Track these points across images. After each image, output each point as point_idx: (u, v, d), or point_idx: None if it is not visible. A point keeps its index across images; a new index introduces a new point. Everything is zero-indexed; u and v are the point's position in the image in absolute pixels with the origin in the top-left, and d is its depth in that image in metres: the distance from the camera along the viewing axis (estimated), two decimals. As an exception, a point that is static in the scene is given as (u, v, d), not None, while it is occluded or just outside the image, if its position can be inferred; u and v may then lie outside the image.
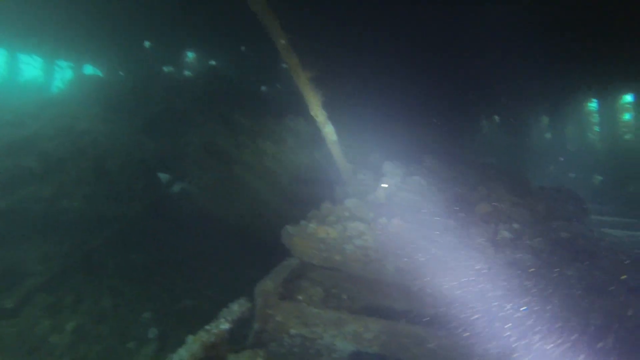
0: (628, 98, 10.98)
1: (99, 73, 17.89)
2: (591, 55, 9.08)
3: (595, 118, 11.33)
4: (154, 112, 13.02)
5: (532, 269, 4.12)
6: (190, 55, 20.74)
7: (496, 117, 15.17)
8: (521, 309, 4.02)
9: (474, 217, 4.59)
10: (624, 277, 4.05)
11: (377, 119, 10.00)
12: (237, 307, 4.03)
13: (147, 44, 16.94)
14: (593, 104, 11.30)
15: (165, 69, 19.26)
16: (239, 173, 9.41)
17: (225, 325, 3.75)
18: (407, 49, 11.76)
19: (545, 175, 12.35)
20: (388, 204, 5.77)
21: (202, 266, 8.45)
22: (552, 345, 3.49)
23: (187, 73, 19.44)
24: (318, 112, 6.73)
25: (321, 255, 5.19)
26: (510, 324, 4.05)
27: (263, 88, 17.45)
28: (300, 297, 4.74)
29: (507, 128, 13.94)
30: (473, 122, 15.53)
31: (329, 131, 7.02)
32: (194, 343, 3.39)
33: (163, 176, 11.10)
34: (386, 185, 6.31)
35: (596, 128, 11.14)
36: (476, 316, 4.38)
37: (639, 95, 8.70)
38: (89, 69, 18.74)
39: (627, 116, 11.17)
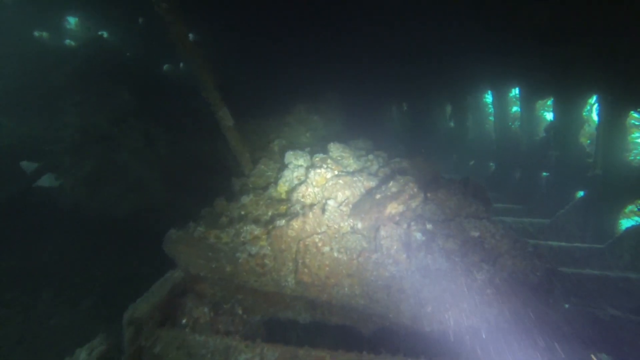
0: (515, 91, 11.71)
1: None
2: (486, 47, 9.33)
3: (491, 109, 11.94)
4: (17, 86, 10.79)
5: (445, 274, 3.81)
6: (72, 21, 17.92)
7: (404, 105, 15.42)
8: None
9: (384, 217, 4.15)
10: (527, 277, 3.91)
11: (280, 105, 9.32)
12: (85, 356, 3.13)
13: (8, -1, 14.08)
14: (489, 96, 11.91)
15: (37, 33, 16.39)
16: (125, 161, 8.09)
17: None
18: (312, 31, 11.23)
19: (450, 163, 12.90)
20: (290, 201, 5.15)
21: (73, 273, 7.12)
22: None
23: (68, 42, 16.78)
24: (211, 93, 5.83)
25: (210, 266, 4.42)
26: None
27: (165, 67, 15.70)
28: (183, 321, 3.96)
29: (415, 115, 14.23)
30: (384, 109, 15.67)
31: (224, 115, 6.17)
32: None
33: (28, 165, 9.23)
34: (287, 179, 5.68)
35: (491, 118, 11.75)
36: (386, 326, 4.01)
37: (524, 88, 9.13)
38: None
39: (514, 108, 11.96)
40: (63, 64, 11.50)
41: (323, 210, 4.66)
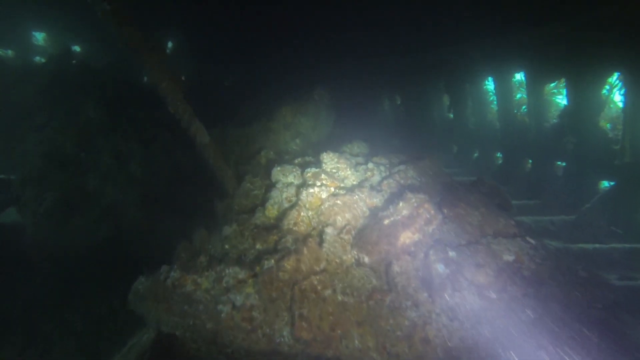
0: (518, 76, 10.94)
1: None
2: (483, 25, 8.50)
3: (492, 97, 11.14)
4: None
5: (479, 316, 3.00)
6: (39, 37, 16.89)
7: (397, 97, 14.61)
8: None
9: (397, 249, 3.34)
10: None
11: (265, 107, 8.48)
12: None
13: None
14: (489, 83, 11.10)
15: (0, 52, 15.40)
16: (95, 187, 7.21)
17: None
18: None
19: (450, 155, 12.12)
20: (280, 229, 4.32)
21: (43, 319, 6.26)
22: None
23: (37, 59, 15.79)
24: (179, 106, 4.98)
25: (187, 323, 3.59)
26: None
27: (143, 79, 14.78)
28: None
29: (410, 107, 13.42)
30: (376, 102, 14.85)
31: (197, 131, 5.32)
32: None
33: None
34: (276, 201, 4.85)
35: (493, 107, 10.95)
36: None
37: (530, 71, 8.32)
38: None
39: (519, 95, 11.19)
40: (26, 82, 10.57)
41: (320, 241, 3.84)
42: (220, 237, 4.62)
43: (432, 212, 3.44)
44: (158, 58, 4.37)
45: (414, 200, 3.56)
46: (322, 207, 4.26)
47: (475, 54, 9.51)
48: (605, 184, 7.64)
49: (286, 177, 5.13)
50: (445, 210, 3.81)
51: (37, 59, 15.72)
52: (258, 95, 11.68)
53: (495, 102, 10.57)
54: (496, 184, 5.04)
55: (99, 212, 6.92)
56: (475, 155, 11.30)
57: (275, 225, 4.64)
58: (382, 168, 5.25)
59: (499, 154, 10.53)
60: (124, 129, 7.75)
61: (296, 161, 6.34)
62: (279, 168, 5.20)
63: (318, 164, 5.39)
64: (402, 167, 4.95)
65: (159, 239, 7.29)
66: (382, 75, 12.72)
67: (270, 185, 5.30)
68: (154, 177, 7.56)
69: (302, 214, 4.29)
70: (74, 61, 11.25)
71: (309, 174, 4.85)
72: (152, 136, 8.10)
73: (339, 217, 4.05)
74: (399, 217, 3.50)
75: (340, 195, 4.30)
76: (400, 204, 3.61)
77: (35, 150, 7.66)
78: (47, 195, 6.85)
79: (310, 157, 6.48)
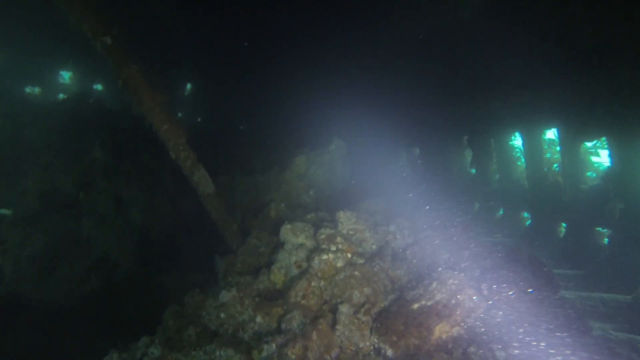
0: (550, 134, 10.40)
1: None
2: (513, 79, 8.08)
3: (519, 153, 10.54)
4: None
5: None
6: (66, 76, 17.27)
7: (416, 149, 14.13)
8: None
9: (430, 344, 2.63)
10: None
11: (278, 156, 8.06)
12: None
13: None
14: (515, 138, 10.56)
15: (28, 89, 15.64)
16: (89, 233, 6.67)
17: None
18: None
19: (472, 213, 11.39)
20: (287, 301, 3.63)
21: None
22: None
23: (61, 96, 16.03)
24: (180, 152, 4.50)
25: None
26: None
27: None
28: None
29: (428, 161, 12.89)
30: (393, 155, 14.40)
31: (200, 180, 4.81)
32: None
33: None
34: (284, 264, 4.20)
35: (520, 163, 10.33)
36: None
37: (565, 128, 7.75)
38: None
39: (549, 154, 10.61)
40: (42, 120, 10.45)
41: (333, 321, 3.14)
42: (216, 303, 3.95)
43: (475, 299, 2.74)
44: (159, 99, 3.95)
45: (451, 281, 2.88)
46: (337, 277, 3.60)
47: (503, 109, 9.07)
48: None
49: (297, 236, 4.49)
50: (487, 293, 3.09)
51: (61, 96, 15.96)
52: (272, 144, 11.35)
53: (522, 159, 9.98)
54: (538, 257, 4.31)
55: (91, 262, 6.34)
56: (500, 213, 10.57)
57: (280, 294, 3.96)
58: (405, 231, 4.59)
59: (525, 214, 9.79)
60: (128, 172, 7.35)
61: (309, 216, 5.73)
62: (288, 226, 4.58)
63: (333, 223, 4.76)
64: (429, 232, 4.28)
65: (154, 294, 6.62)
66: (401, 126, 12.36)
67: (278, 245, 4.68)
68: (155, 225, 7.03)
69: (312, 284, 3.62)
70: (91, 100, 11.17)
71: (322, 236, 4.21)
72: (157, 182, 7.67)
73: (356, 292, 3.37)
74: (432, 302, 2.81)
75: (358, 265, 3.64)
76: (434, 284, 2.92)
77: (34, 189, 7.26)
78: (36, 238, 6.33)
79: (324, 212, 5.88)
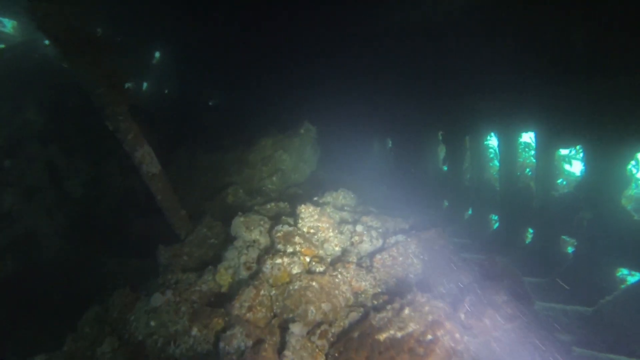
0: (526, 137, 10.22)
1: None
2: (495, 78, 7.75)
3: (493, 154, 10.32)
4: None
5: None
6: (9, 25, 15.59)
7: (388, 141, 13.72)
8: None
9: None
10: None
11: (243, 135, 7.40)
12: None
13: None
14: (491, 138, 10.30)
15: None
16: (11, 204, 5.79)
17: None
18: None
19: (440, 212, 11.15)
20: (230, 313, 3.07)
21: None
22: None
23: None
24: (120, 122, 3.77)
25: None
26: None
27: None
28: None
29: (401, 154, 12.51)
30: (364, 144, 13.93)
31: (144, 158, 4.10)
32: None
33: None
34: (232, 264, 3.62)
35: (492, 164, 10.11)
36: None
37: (541, 134, 7.49)
38: None
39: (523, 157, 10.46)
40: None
41: (281, 345, 2.61)
42: (147, 307, 3.33)
43: (457, 335, 2.27)
44: (91, 49, 3.20)
45: (427, 308, 2.39)
46: (291, 287, 3.05)
47: (481, 107, 8.74)
48: (625, 271, 6.71)
49: (250, 231, 3.91)
50: (468, 321, 2.64)
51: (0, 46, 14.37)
52: (240, 122, 10.59)
53: (495, 160, 9.76)
54: (512, 268, 3.98)
55: (9, 240, 5.48)
56: (469, 213, 10.38)
57: (225, 299, 3.39)
58: (373, 233, 4.10)
59: (494, 217, 9.63)
60: (69, 139, 6.44)
61: (268, 206, 5.16)
62: (242, 219, 3.99)
63: (294, 217, 4.21)
64: (400, 237, 3.82)
65: (89, 283, 5.87)
66: (375, 115, 11.88)
67: (229, 240, 4.08)
68: (99, 201, 6.21)
69: (262, 293, 3.06)
70: (36, 55, 9.94)
71: (279, 234, 3.65)
72: (105, 151, 6.80)
73: (312, 308, 2.85)
74: (403, 333, 2.31)
75: (317, 274, 3.11)
76: (406, 310, 2.43)
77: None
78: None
79: (285, 203, 5.32)
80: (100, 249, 6.23)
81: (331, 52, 10.87)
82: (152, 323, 3.19)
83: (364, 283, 3.18)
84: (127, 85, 3.71)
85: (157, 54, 15.56)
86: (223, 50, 12.39)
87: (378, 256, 3.51)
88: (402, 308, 2.44)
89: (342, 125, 11.52)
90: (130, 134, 3.88)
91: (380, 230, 4.28)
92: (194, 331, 2.99)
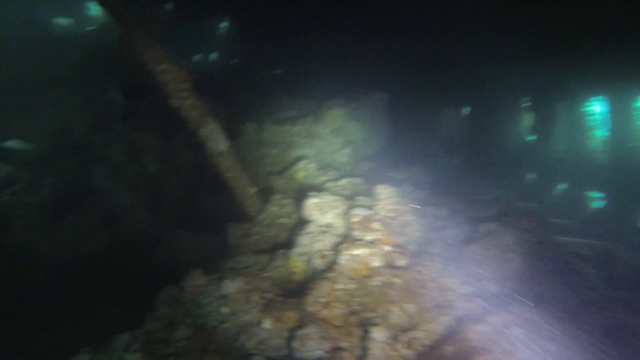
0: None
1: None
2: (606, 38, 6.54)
3: (595, 121, 8.95)
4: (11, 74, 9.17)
5: None
6: (94, 8, 16.40)
7: (464, 109, 12.64)
8: None
9: None
10: None
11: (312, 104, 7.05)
12: None
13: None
14: (594, 103, 8.90)
15: (57, 20, 14.94)
16: (101, 179, 6.08)
17: None
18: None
19: (522, 186, 10.08)
20: (303, 301, 2.83)
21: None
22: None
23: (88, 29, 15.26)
24: (184, 100, 3.60)
25: None
26: None
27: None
28: None
29: (479, 123, 11.45)
30: (437, 113, 12.93)
31: (211, 135, 3.93)
32: None
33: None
34: (305, 251, 3.37)
35: (597, 133, 8.78)
36: None
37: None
38: None
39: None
40: (63, 53, 9.75)
41: (362, 350, 2.31)
42: (219, 292, 3.21)
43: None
44: (152, 30, 3.00)
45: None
46: (371, 282, 2.72)
47: (587, 67, 7.45)
48: None
49: (324, 214, 3.61)
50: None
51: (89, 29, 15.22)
52: (308, 91, 10.11)
53: (599, 129, 8.45)
54: None
55: (101, 214, 5.79)
56: (559, 188, 9.22)
57: (297, 288, 3.17)
58: (460, 218, 3.61)
59: (594, 194, 8.42)
60: (145, 116, 6.59)
61: (342, 182, 4.82)
62: (315, 200, 3.69)
63: (370, 197, 3.82)
64: (492, 225, 3.29)
65: (166, 254, 6.08)
66: (450, 82, 10.83)
67: (302, 221, 3.83)
68: (172, 178, 6.34)
69: (338, 287, 2.76)
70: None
71: (356, 219, 3.30)
72: (177, 128, 6.87)
73: (395, 309, 2.50)
74: None
75: (400, 269, 2.73)
76: (515, 330, 1.97)
77: (47, 127, 6.68)
78: (45, 182, 5.80)
79: (359, 179, 4.94)
80: (173, 224, 6.38)
81: (403, 15, 9.99)
82: (224, 310, 3.07)
83: (453, 280, 2.75)
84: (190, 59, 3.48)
85: (223, 24, 15.56)
86: (291, 17, 11.97)
87: (468, 247, 3.04)
88: (507, 325, 1.99)
89: (412, 94, 10.70)
90: (194, 110, 3.70)
91: (467, 214, 3.77)
92: (266, 324, 2.81)
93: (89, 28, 15.32)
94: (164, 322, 3.07)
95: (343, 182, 4.85)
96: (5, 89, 8.58)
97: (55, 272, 5.46)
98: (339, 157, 6.58)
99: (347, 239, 3.18)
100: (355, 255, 2.87)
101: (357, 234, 3.21)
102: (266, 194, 4.92)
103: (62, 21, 15.36)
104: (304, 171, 5.76)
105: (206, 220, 5.99)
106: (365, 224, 3.27)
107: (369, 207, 3.59)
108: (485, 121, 11.39)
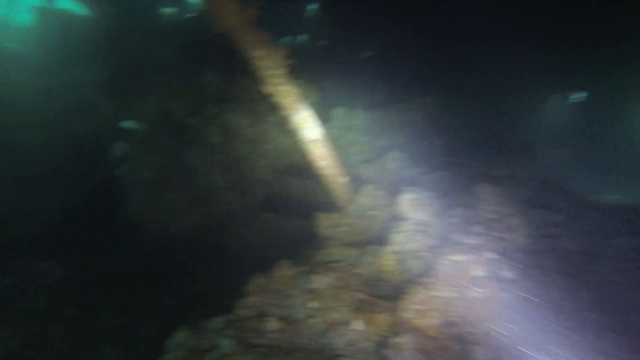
0: None
1: (75, 7, 14.89)
2: None
3: None
4: (120, 63, 10.09)
5: None
6: (195, -5, 17.26)
7: (570, 94, 11.19)
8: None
9: None
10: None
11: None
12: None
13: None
14: None
15: (162, 10, 16.00)
16: (196, 160, 6.43)
17: None
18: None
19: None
20: (399, 305, 2.67)
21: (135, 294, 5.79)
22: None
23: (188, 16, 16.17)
24: (278, 85, 3.54)
25: None
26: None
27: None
28: None
29: (589, 109, 10.04)
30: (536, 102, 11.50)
31: (302, 121, 3.84)
32: None
33: (117, 148, 8.22)
34: (399, 247, 3.18)
35: None
36: None
37: None
38: (64, 2, 15.73)
39: None
40: (167, 39, 10.44)
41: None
42: (307, 286, 3.17)
43: None
44: (249, 14, 2.95)
45: None
46: (471, 294, 2.45)
47: None
48: None
49: (420, 211, 3.36)
50: None
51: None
52: (401, 75, 9.52)
53: None
54: None
55: (195, 192, 6.16)
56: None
57: (389, 288, 3.00)
58: (578, 225, 3.12)
59: None
60: (238, 99, 6.80)
61: (435, 175, 4.52)
62: (410, 195, 3.45)
63: (471, 195, 3.48)
64: (629, 240, 2.78)
65: (254, 236, 6.27)
66: (556, 64, 9.46)
67: (395, 216, 3.62)
68: (262, 160, 6.50)
69: (435, 294, 2.54)
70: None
71: (456, 220, 3.01)
72: (267, 113, 6.99)
73: (499, 330, 2.21)
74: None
75: (506, 282, 2.43)
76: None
77: (152, 110, 7.21)
78: (151, 161, 6.31)
79: (456, 168, 4.57)
80: (262, 206, 6.55)
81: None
82: (312, 305, 3.02)
83: (571, 304, 2.37)
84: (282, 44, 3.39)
85: (312, 6, 15.34)
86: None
87: (594, 264, 2.60)
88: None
89: (510, 78, 9.60)
90: (289, 97, 3.64)
91: (587, 221, 3.25)
92: (356, 324, 2.69)
93: (188, 15, 16.26)
94: (254, 310, 3.11)
95: (437, 175, 4.53)
96: (124, 74, 9.49)
97: (154, 245, 5.97)
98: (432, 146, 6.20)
99: (445, 242, 2.92)
100: (454, 261, 2.60)
101: (456, 237, 2.93)
102: (356, 183, 4.78)
103: (167, 10, 16.48)
104: (398, 160, 5.48)
105: (294, 205, 6.06)
106: (466, 226, 2.98)
107: (469, 207, 3.27)
108: (602, 108, 9.93)
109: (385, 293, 2.94)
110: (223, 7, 2.83)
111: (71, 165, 7.99)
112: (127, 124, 8.54)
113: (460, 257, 2.65)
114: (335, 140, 5.41)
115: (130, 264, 5.98)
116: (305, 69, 6.04)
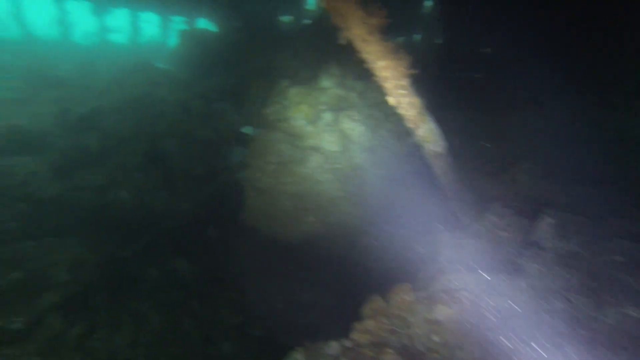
0: None
1: (210, 26, 16.57)
2: None
3: None
4: (244, 71, 10.88)
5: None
6: (310, 1, 17.82)
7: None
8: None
9: None
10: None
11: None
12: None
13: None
14: None
15: (281, 18, 16.84)
16: (311, 167, 6.54)
17: None
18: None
19: None
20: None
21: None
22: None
23: (305, 22, 16.77)
24: (402, 97, 3.29)
25: None
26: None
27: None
28: None
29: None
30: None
31: (427, 134, 3.55)
32: None
33: (237, 154, 8.88)
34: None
35: None
36: None
37: None
38: (203, 23, 17.63)
39: None
40: (285, 46, 10.91)
41: None
42: (431, 316, 2.89)
43: None
44: (374, 22, 2.77)
45: None
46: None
47: None
48: None
49: (561, 238, 2.83)
50: None
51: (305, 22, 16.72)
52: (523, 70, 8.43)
53: None
54: None
55: (310, 200, 6.26)
56: None
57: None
58: None
59: None
60: (354, 107, 6.74)
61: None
62: (550, 219, 2.93)
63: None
64: None
65: (368, 249, 6.09)
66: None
67: (527, 240, 3.12)
68: (376, 169, 6.31)
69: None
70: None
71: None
72: (382, 120, 6.78)
73: None
74: None
75: None
76: None
77: (267, 117, 7.61)
78: (267, 169, 6.64)
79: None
80: (375, 217, 6.34)
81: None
82: (434, 338, 2.74)
83: None
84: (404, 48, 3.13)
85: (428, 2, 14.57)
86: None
87: None
88: None
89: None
90: (413, 109, 3.38)
91: None
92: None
93: (306, 21, 16.87)
94: (371, 336, 2.95)
95: (586, 191, 3.83)
96: (247, 82, 10.22)
97: (269, 250, 6.25)
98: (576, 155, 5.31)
99: (603, 284, 2.38)
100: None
101: (620, 277, 2.37)
102: (482, 199, 4.30)
103: (286, 18, 17.37)
104: (529, 175, 4.81)
105: (411, 219, 5.75)
106: (634, 267, 2.39)
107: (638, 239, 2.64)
108: None
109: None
110: (348, 17, 2.72)
111: (198, 170, 8.84)
112: (248, 129, 9.13)
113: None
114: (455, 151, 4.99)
115: (247, 265, 6.36)
116: (427, 77, 5.68)
